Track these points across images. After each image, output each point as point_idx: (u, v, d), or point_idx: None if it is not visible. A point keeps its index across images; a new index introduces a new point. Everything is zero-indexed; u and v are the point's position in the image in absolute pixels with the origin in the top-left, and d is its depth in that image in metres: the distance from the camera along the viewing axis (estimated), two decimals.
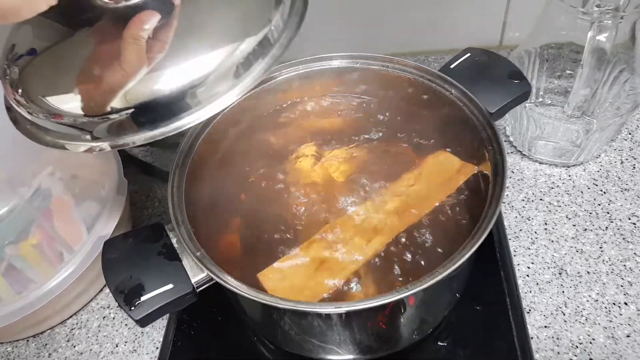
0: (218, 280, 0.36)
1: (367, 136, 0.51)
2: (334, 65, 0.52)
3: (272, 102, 0.53)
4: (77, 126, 0.36)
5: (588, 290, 0.52)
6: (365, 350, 0.45)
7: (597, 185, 0.61)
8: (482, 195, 0.42)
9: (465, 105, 0.46)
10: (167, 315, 0.54)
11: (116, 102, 0.34)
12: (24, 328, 0.55)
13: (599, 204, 0.59)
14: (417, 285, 0.34)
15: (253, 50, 0.36)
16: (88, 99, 0.35)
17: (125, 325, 0.57)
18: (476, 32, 0.74)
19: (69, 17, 0.37)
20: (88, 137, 0.36)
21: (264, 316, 0.44)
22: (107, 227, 0.53)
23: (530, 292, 0.53)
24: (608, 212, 0.58)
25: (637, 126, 0.67)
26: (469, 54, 0.49)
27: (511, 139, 0.67)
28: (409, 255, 0.42)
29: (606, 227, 0.56)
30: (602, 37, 0.49)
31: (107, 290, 0.59)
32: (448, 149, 0.49)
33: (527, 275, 0.54)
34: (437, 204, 0.46)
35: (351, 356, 0.45)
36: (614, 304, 0.50)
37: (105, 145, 0.36)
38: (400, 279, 0.41)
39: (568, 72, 0.64)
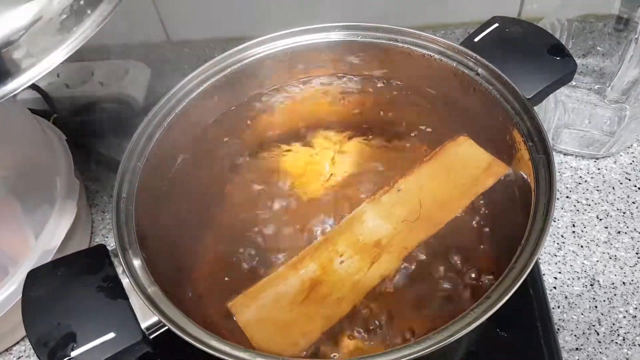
0: (172, 328, 0.29)
1: (368, 127, 0.46)
2: (329, 38, 0.44)
3: (247, 88, 0.47)
4: None
5: (624, 305, 0.47)
6: None
7: (630, 180, 0.55)
8: (516, 204, 0.36)
9: (495, 89, 0.39)
10: None
11: None
12: None
13: (634, 202, 0.54)
14: (442, 336, 0.28)
15: None
16: None
17: None
18: (491, 3, 0.67)
19: None
20: None
21: None
22: (54, 239, 0.47)
23: (559, 307, 0.47)
24: None
25: None
26: (497, 24, 0.42)
27: None
28: (424, 283, 0.36)
29: None
30: None
31: None
32: None
33: (555, 288, 0.49)
34: (457, 212, 0.39)
35: None
36: None
37: None
38: (414, 313, 0.35)
39: (598, 48, 0.58)
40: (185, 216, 0.40)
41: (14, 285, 0.44)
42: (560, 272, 0.49)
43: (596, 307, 0.47)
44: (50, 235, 0.47)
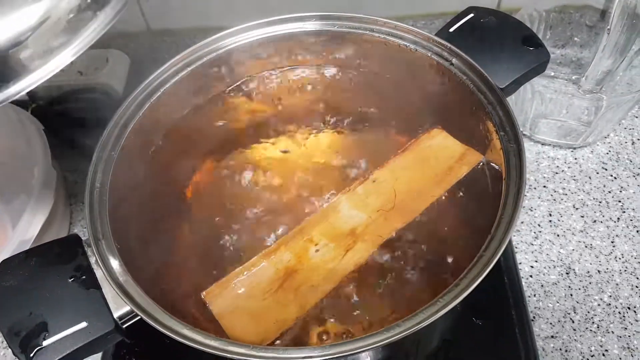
0: (144, 317, 0.29)
1: (344, 117, 0.45)
2: (305, 28, 0.44)
3: (223, 78, 0.46)
4: None
5: (599, 293, 0.48)
6: None
7: (606, 169, 0.56)
8: (490, 193, 0.36)
9: (469, 79, 0.39)
10: None
11: None
12: None
13: (610, 192, 0.54)
14: (414, 321, 0.28)
15: None
16: None
17: None
18: None
19: None
20: None
21: None
22: (31, 229, 0.47)
23: (535, 295, 0.48)
24: (620, 201, 0.53)
25: None
26: (472, 15, 0.41)
27: None
28: (398, 270, 0.36)
29: (618, 218, 0.52)
30: None
31: None
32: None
33: (531, 276, 0.49)
34: (432, 201, 0.39)
35: None
36: (629, 308, 0.47)
37: None
38: (387, 300, 0.35)
39: (576, 39, 0.59)
40: (160, 206, 0.40)
41: None
42: (536, 261, 0.49)
43: (571, 295, 0.47)
44: (27, 225, 0.46)
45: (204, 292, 0.35)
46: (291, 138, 0.45)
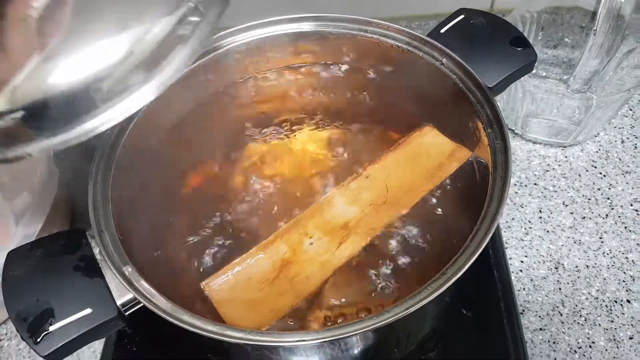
0: (146, 304, 0.30)
1: (338, 115, 0.46)
2: (298, 29, 0.45)
3: (220, 78, 0.47)
4: None
5: (587, 287, 0.48)
6: None
7: (596, 167, 0.57)
8: (479, 188, 0.36)
9: (458, 78, 0.40)
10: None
11: (1, 103, 0.27)
12: None
13: (599, 189, 0.55)
14: (402, 308, 0.29)
15: (171, 31, 0.29)
16: None
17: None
18: None
19: None
20: None
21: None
22: (33, 226, 0.47)
23: (524, 289, 0.49)
24: (608, 198, 0.54)
25: (639, 101, 0.62)
26: (462, 16, 0.42)
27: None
28: (389, 262, 0.37)
29: (606, 215, 0.53)
30: None
31: None
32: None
33: (521, 271, 0.50)
34: (422, 195, 0.40)
35: None
36: (616, 301, 0.47)
37: None
38: (378, 290, 0.36)
39: (567, 40, 0.59)
40: (160, 198, 0.41)
41: None
42: (526, 256, 0.50)
43: (560, 289, 0.48)
44: (30, 222, 0.47)
45: (203, 282, 0.36)
46: (287, 136, 0.45)
